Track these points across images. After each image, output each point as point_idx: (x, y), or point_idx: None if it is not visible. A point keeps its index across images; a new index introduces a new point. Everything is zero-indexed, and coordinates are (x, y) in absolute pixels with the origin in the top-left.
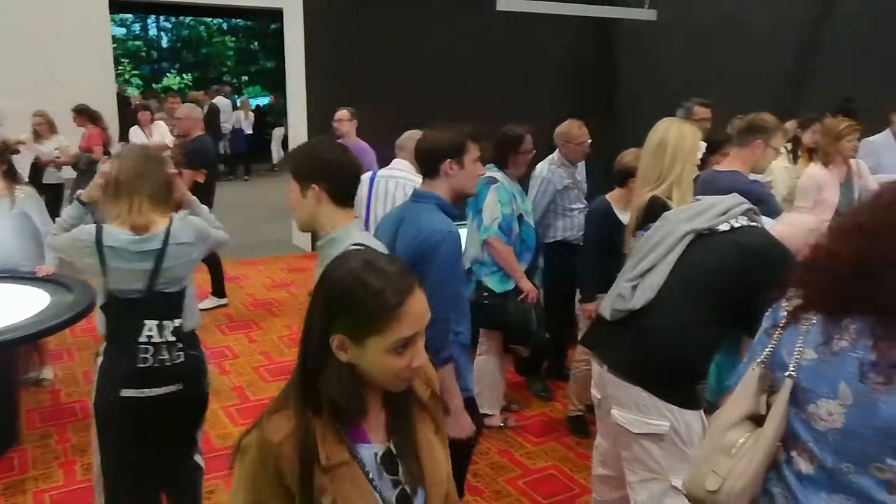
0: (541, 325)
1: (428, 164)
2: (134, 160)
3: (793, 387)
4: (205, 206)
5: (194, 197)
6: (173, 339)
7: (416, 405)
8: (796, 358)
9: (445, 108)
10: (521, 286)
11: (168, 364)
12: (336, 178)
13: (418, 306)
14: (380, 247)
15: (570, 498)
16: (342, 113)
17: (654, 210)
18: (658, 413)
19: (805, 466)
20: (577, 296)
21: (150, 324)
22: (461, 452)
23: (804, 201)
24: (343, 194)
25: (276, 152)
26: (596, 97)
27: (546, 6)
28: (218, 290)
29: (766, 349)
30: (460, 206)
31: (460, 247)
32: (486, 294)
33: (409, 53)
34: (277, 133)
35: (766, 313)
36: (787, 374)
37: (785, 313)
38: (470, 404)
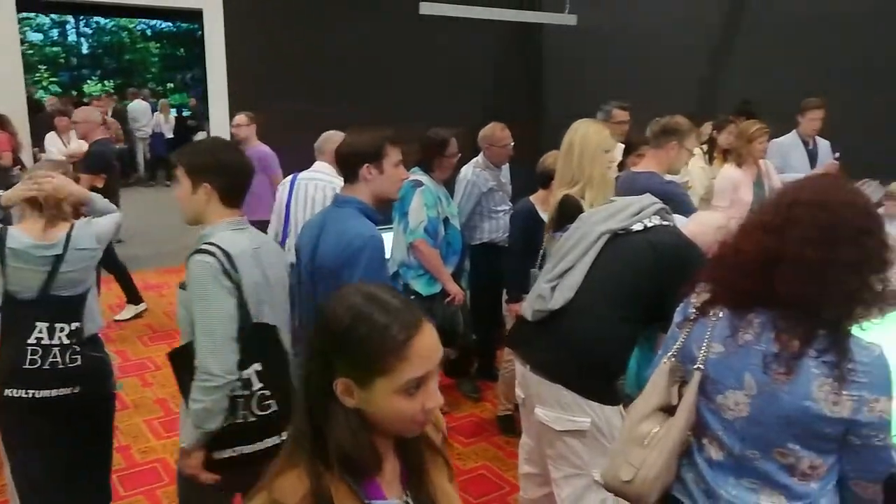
0: (468, 327)
1: (347, 168)
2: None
3: (702, 379)
4: (98, 196)
5: (90, 192)
6: (69, 341)
7: (429, 450)
8: (704, 351)
9: (370, 111)
10: (447, 289)
11: (61, 367)
12: (227, 178)
13: (428, 342)
14: (245, 245)
15: (500, 496)
16: (240, 118)
17: (566, 209)
18: (580, 410)
19: (715, 453)
20: (504, 296)
21: (41, 326)
22: None
23: (721, 200)
24: (232, 194)
25: None
26: (521, 100)
27: (467, 10)
28: (132, 297)
29: (677, 343)
30: (386, 209)
31: (383, 251)
32: (412, 297)
33: (334, 56)
34: (201, 138)
35: (677, 308)
36: (695, 366)
37: (693, 308)
38: None
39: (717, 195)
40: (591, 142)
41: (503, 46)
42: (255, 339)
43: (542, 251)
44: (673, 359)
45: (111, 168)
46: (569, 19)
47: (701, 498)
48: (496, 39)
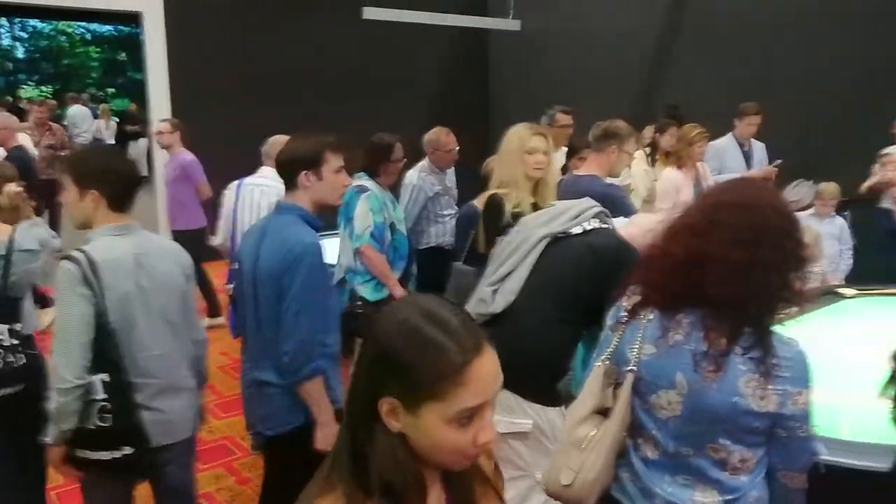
0: None
1: (287, 175)
2: None
3: (635, 380)
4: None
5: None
6: (16, 342)
7: (479, 482)
8: (636, 352)
9: (316, 116)
10: (394, 294)
11: (15, 366)
12: (115, 185)
13: (489, 369)
14: (125, 251)
15: None
16: (163, 125)
17: (491, 208)
18: (522, 412)
19: (650, 452)
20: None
21: (3, 328)
22: None
23: (664, 202)
24: (120, 201)
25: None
26: (469, 105)
27: (411, 15)
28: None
29: (610, 346)
30: (330, 215)
31: (324, 258)
32: (359, 303)
33: (278, 60)
34: (142, 144)
35: (610, 311)
36: (628, 368)
37: (625, 311)
38: (341, 415)
39: (661, 197)
40: (512, 144)
41: (450, 51)
42: (105, 349)
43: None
44: (607, 361)
45: (30, 175)
46: (513, 24)
47: (638, 497)
48: (442, 44)
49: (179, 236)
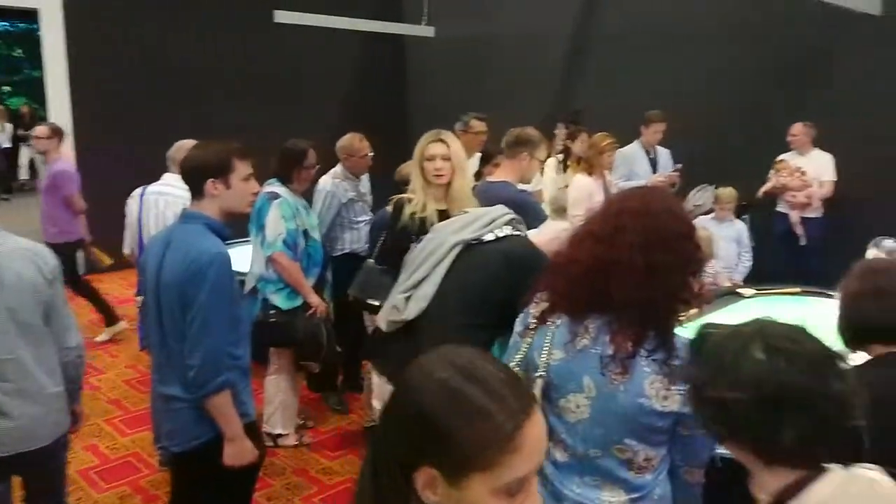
0: (332, 339)
1: (192, 183)
2: None
3: (544, 385)
4: None
5: None
6: None
7: None
8: (545, 358)
9: (226, 121)
10: (309, 301)
11: None
12: None
13: (539, 432)
14: None
15: None
16: (40, 129)
17: (396, 212)
18: None
19: (560, 455)
20: None
21: None
22: (244, 479)
23: (577, 209)
24: None
25: (26, 167)
26: (386, 110)
27: (324, 20)
28: None
29: (519, 352)
30: (243, 223)
31: (231, 268)
32: (273, 312)
33: (185, 62)
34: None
35: (519, 317)
36: (538, 374)
37: (533, 318)
38: (251, 429)
39: (574, 204)
40: (417, 150)
41: (365, 56)
42: None
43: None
44: (516, 368)
45: None
46: (426, 31)
47: (549, 500)
48: (358, 49)
49: (53, 249)
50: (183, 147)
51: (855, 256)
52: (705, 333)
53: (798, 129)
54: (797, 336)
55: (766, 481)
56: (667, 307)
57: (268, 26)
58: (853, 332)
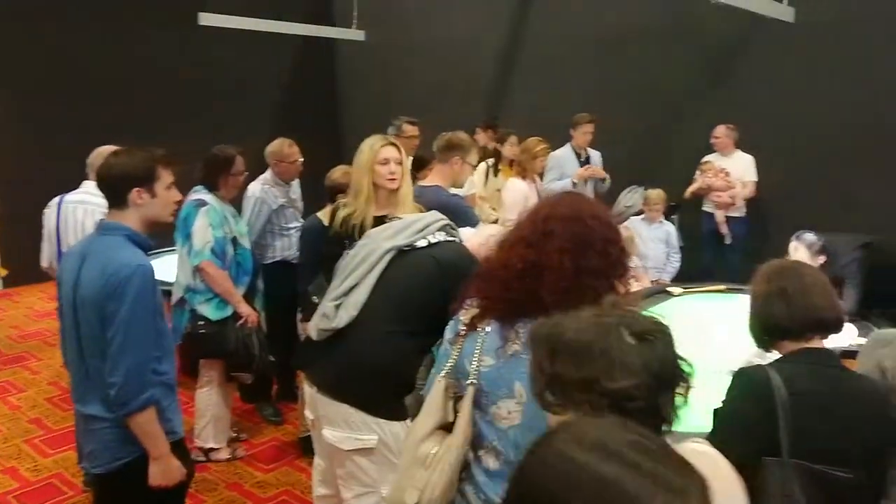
0: (264, 349)
1: (114, 192)
2: None
3: (475, 392)
4: None
5: None
6: None
7: None
8: (476, 365)
9: (150, 126)
10: (239, 311)
11: None
12: None
13: None
14: None
15: None
16: None
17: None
18: (366, 428)
19: (492, 463)
20: (300, 315)
21: None
22: (172, 499)
23: (513, 213)
24: None
25: None
26: (319, 115)
27: (250, 23)
28: None
29: (449, 360)
30: (168, 232)
31: (154, 280)
32: (201, 323)
33: (106, 66)
34: None
35: (448, 324)
36: (469, 381)
37: (463, 324)
38: (179, 447)
39: (509, 208)
40: (364, 155)
41: (296, 61)
42: None
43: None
44: (447, 376)
45: None
46: (356, 35)
47: None
48: (290, 54)
49: None
50: (103, 154)
51: (776, 253)
52: (549, 334)
53: (721, 132)
54: (640, 318)
55: None
56: None
57: (194, 29)
58: (764, 331)
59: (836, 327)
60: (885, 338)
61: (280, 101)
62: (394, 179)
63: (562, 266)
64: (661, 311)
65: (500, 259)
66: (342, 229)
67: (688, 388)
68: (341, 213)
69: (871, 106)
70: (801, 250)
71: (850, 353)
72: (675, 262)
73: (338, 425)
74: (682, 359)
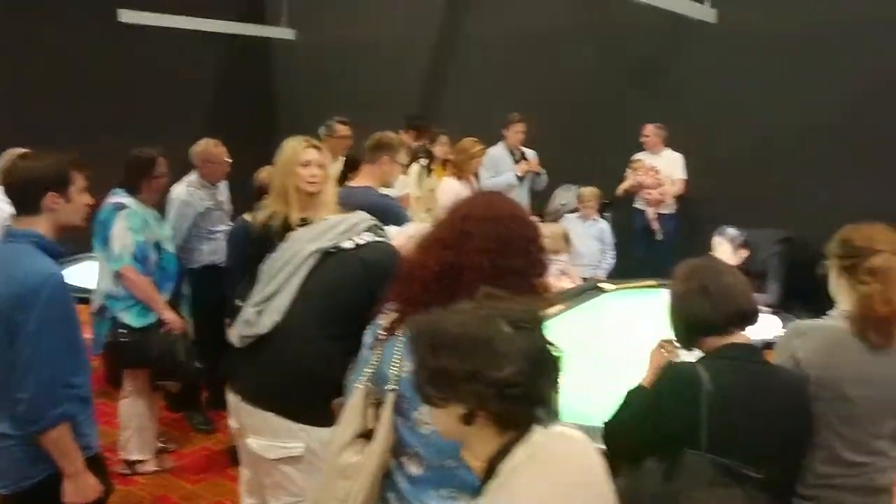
0: (192, 357)
1: (25, 197)
2: None
3: (396, 398)
4: None
5: None
6: None
7: None
8: (397, 370)
9: (66, 127)
10: (164, 318)
11: None
12: None
13: None
14: None
15: None
16: None
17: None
18: (292, 436)
19: (415, 469)
20: (228, 321)
21: None
22: None
23: None
24: None
25: None
26: (252, 116)
27: (173, 20)
28: None
29: (370, 365)
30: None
31: (66, 289)
32: (123, 331)
33: (20, 63)
34: None
35: (367, 329)
36: (389, 387)
37: (382, 330)
38: (95, 463)
39: (444, 208)
40: (285, 156)
41: (228, 60)
42: None
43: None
44: (367, 382)
45: None
46: (287, 33)
47: None
48: (220, 53)
49: None
50: (7, 157)
51: (704, 248)
52: (430, 329)
53: (650, 130)
54: (514, 308)
55: (478, 447)
56: None
57: (112, 26)
58: (688, 329)
59: (754, 319)
60: (799, 329)
61: (212, 101)
62: (314, 183)
63: (482, 267)
64: (593, 308)
65: (418, 261)
66: (262, 231)
67: (559, 371)
68: (259, 216)
69: (791, 106)
70: (724, 245)
71: (772, 345)
72: (610, 259)
73: (262, 434)
74: (552, 344)
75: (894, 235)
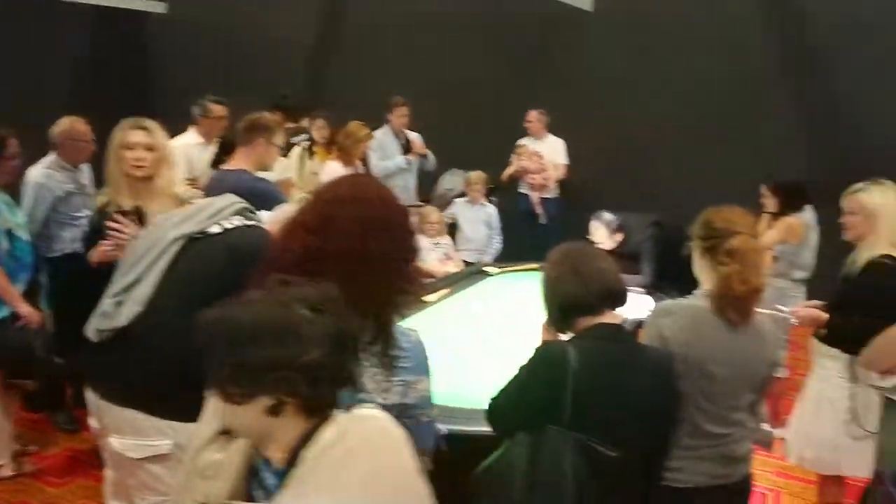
0: (51, 352)
1: None
2: None
3: None
4: None
5: None
6: None
7: None
8: None
9: None
10: (18, 311)
11: None
12: None
13: None
14: None
15: None
16: None
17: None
18: (157, 432)
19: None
20: None
21: None
22: None
23: None
24: None
25: None
26: (121, 95)
27: None
28: None
29: None
30: None
31: None
32: None
33: None
34: None
35: None
36: None
37: None
38: None
39: None
40: (114, 139)
41: (98, 35)
42: None
43: None
44: None
45: None
46: (156, 6)
47: None
48: (86, 27)
49: None
50: None
51: (585, 232)
52: (224, 325)
53: (533, 116)
54: (309, 292)
55: (280, 437)
56: (383, 297)
57: None
58: (562, 310)
59: (623, 299)
60: (667, 308)
61: (76, 77)
62: (140, 167)
63: (346, 251)
64: (478, 291)
65: (282, 245)
66: (98, 220)
67: (358, 348)
68: (95, 203)
69: (664, 95)
70: (601, 229)
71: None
72: (497, 244)
73: (125, 433)
74: (350, 325)
75: (752, 218)
